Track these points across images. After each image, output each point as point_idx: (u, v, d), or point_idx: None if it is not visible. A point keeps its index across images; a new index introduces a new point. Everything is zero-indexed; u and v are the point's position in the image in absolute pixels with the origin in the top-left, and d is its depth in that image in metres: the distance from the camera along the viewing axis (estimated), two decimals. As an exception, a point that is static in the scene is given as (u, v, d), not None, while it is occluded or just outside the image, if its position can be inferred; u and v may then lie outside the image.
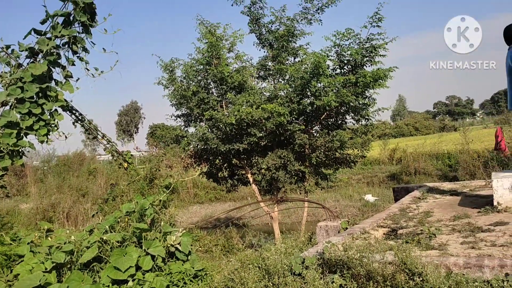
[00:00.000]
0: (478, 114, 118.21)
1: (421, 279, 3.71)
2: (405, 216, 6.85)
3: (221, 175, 10.21)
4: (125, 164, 6.00)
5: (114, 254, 4.20)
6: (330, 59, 8.57)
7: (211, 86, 9.73)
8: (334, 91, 8.03)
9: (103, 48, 4.61)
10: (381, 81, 8.14)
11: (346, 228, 6.46)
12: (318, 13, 9.32)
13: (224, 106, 9.36)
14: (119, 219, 4.59)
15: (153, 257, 4.49)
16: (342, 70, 8.82)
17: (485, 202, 6.73)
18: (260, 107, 8.15)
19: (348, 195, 18.59)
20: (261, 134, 8.54)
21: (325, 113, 8.65)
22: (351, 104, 8.21)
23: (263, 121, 8.28)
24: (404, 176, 19.24)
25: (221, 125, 8.57)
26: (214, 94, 9.78)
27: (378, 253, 4.12)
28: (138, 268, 4.31)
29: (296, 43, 9.71)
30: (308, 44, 9.50)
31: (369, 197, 17.42)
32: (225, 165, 10.16)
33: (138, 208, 4.71)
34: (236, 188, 10.62)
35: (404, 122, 72.62)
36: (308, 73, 8.03)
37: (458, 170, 17.47)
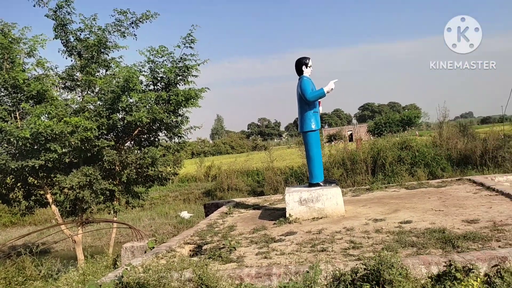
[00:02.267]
0: (283, 136, 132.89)
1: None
2: (212, 231, 7.09)
3: (12, 196, 8.81)
4: None
5: None
6: (143, 75, 8.43)
7: (2, 94, 8.40)
8: (147, 107, 7.87)
9: None
10: (192, 100, 8.36)
11: (153, 248, 6.30)
12: (132, 27, 9.10)
13: (18, 117, 8.17)
14: None
15: None
16: (155, 87, 8.75)
17: (281, 214, 7.50)
18: (62, 120, 7.38)
19: (164, 213, 18.44)
20: (64, 150, 7.72)
21: (137, 129, 8.40)
22: (164, 121, 8.18)
23: (67, 135, 7.52)
24: (218, 192, 20.14)
25: (12, 139, 7.41)
26: (8, 103, 8.47)
27: (177, 272, 4.10)
28: None
29: (108, 55, 9.25)
30: (121, 57, 9.16)
31: (185, 214, 17.62)
32: (19, 184, 8.82)
33: None
34: (33, 211, 9.30)
35: (222, 141, 76.81)
36: (120, 87, 7.68)
37: (264, 185, 19.18)
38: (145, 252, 6.30)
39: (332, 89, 7.31)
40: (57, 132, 7.29)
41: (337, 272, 4.17)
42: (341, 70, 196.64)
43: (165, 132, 9.02)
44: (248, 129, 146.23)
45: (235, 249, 5.61)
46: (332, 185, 7.44)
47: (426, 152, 17.55)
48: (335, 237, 5.72)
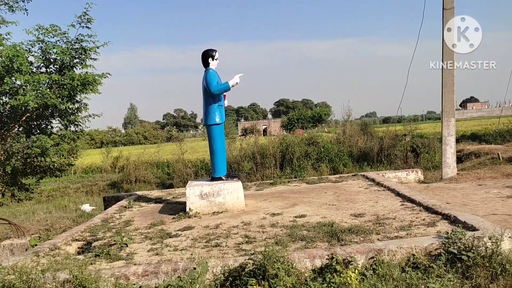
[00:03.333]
0: (200, 127, 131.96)
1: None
2: (106, 227, 6.70)
3: None
4: None
5: None
6: (33, 55, 7.65)
7: None
8: (36, 91, 7.16)
9: None
10: (91, 86, 7.79)
11: (35, 245, 5.78)
12: (23, 0, 8.23)
13: None
14: None
15: None
16: (48, 69, 8.00)
17: (182, 208, 7.34)
18: None
19: (63, 206, 17.13)
20: None
21: (26, 116, 7.63)
22: (57, 107, 7.51)
23: None
24: (124, 184, 19.27)
25: None
26: None
27: (50, 272, 3.77)
28: None
29: (-2, 31, 8.29)
30: (8, 34, 8.21)
31: (86, 207, 16.54)
32: None
33: None
34: None
35: (134, 131, 74.00)
36: (3, 67, 6.88)
37: (174, 178, 18.78)
38: (26, 250, 5.76)
39: (237, 83, 7.30)
40: None
41: (226, 268, 4.15)
42: (260, 65, 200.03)
43: (59, 119, 8.31)
44: (163, 119, 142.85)
45: (127, 246, 5.35)
46: (234, 179, 7.46)
47: (330, 149, 18.45)
48: (232, 231, 5.72)
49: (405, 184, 9.65)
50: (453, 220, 5.21)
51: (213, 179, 7.50)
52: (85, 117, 8.70)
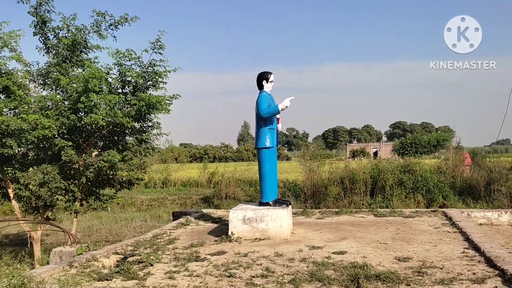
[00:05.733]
0: (311, 147, 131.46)
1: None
2: (152, 242, 6.93)
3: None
4: None
5: None
6: (111, 77, 8.43)
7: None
8: (107, 110, 7.83)
9: None
10: (158, 106, 8.26)
11: (81, 254, 6.21)
12: (112, 29, 9.16)
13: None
14: None
15: None
16: (123, 90, 8.74)
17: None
18: (19, 116, 7.47)
19: (158, 216, 18.45)
20: (20, 148, 7.81)
21: (101, 132, 8.39)
22: (125, 125, 8.10)
23: (25, 132, 7.60)
24: (215, 200, 19.99)
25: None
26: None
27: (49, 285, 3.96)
28: None
29: (87, 55, 9.35)
30: (96, 58, 9.23)
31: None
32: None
33: None
34: (-1, 202, 9.44)
35: (245, 148, 76.93)
36: (82, 87, 7.70)
37: (260, 197, 18.86)
38: (73, 257, 6.21)
39: (287, 106, 7.07)
40: (13, 128, 7.37)
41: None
42: (375, 86, 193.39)
43: (133, 137, 8.99)
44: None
45: (151, 265, 5.44)
46: (283, 206, 7.16)
47: (428, 178, 16.78)
48: (257, 262, 5.45)
49: (495, 226, 8.25)
50: (507, 279, 4.22)
51: (261, 204, 7.29)
52: (155, 135, 9.26)
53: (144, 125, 9.13)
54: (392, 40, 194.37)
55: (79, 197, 8.72)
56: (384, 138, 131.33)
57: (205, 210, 10.21)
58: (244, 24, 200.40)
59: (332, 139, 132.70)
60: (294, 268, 5.11)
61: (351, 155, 60.31)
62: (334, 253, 5.74)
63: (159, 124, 9.19)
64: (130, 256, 6.03)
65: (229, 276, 4.85)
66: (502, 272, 4.44)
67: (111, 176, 8.69)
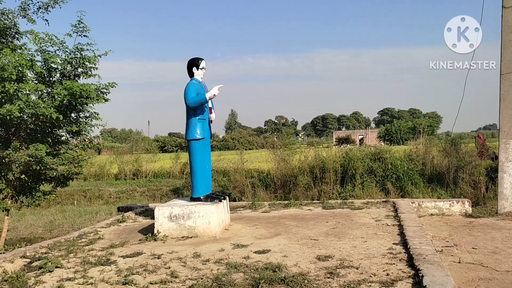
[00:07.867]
0: (300, 135, 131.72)
1: None
2: (72, 243, 6.41)
3: None
4: None
5: None
6: (36, 64, 7.82)
7: None
8: (26, 100, 7.20)
9: None
10: (85, 94, 7.67)
11: (-11, 257, 5.71)
12: (42, 11, 8.55)
13: None
14: None
15: None
16: (51, 79, 8.14)
17: (158, 229, 6.79)
18: None
19: (124, 209, 17.91)
20: None
21: (26, 124, 7.84)
22: (50, 116, 7.46)
23: None
24: (185, 190, 19.56)
25: None
26: None
27: None
28: None
29: (19, 41, 8.75)
30: (25, 44, 8.61)
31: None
32: None
33: None
34: None
35: (231, 136, 76.34)
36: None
37: (229, 188, 18.48)
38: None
39: (215, 95, 6.58)
40: None
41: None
42: (364, 72, 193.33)
43: (63, 129, 8.39)
44: (265, 125, 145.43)
45: (50, 271, 4.97)
46: (215, 201, 6.71)
47: (398, 166, 16.49)
48: (168, 264, 5.02)
49: (446, 217, 7.90)
50: (417, 281, 3.83)
51: (192, 199, 6.86)
52: (92, 126, 8.69)
53: (81, 115, 8.58)
54: (380, 27, 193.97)
55: (10, 194, 8.18)
56: (373, 125, 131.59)
57: (151, 205, 9.72)
58: (233, 12, 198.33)
59: (321, 126, 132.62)
60: (203, 271, 4.68)
61: (337, 142, 60.10)
62: (256, 252, 5.33)
63: (97, 114, 8.65)
64: (36, 260, 5.55)
65: (124, 284, 4.40)
66: (417, 273, 4.05)
67: (42, 172, 8.14)
